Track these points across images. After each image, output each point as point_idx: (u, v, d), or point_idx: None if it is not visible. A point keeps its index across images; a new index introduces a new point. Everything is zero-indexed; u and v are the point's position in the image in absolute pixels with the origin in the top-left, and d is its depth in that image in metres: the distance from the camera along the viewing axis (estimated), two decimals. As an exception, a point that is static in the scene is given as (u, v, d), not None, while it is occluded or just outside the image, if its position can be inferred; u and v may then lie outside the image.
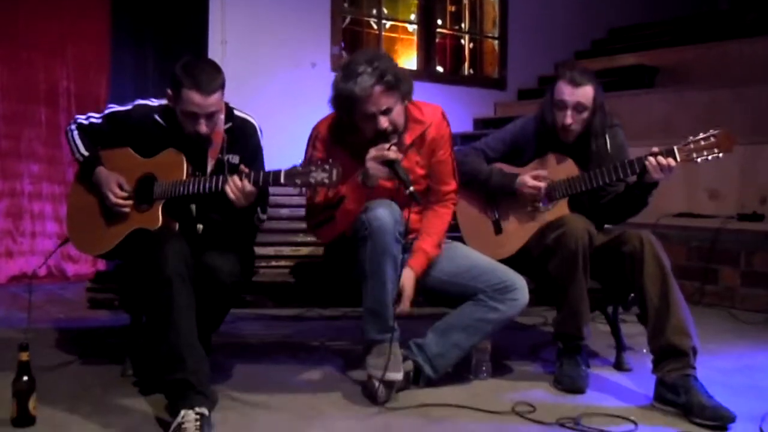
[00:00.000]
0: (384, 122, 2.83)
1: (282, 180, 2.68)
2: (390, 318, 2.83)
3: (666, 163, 2.99)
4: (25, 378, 2.48)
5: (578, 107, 3.16)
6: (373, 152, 2.78)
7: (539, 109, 3.33)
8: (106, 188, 2.92)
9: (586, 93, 3.15)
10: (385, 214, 2.75)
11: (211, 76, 2.80)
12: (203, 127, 2.81)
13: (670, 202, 5.37)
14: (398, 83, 2.83)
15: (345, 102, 2.83)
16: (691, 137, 3.02)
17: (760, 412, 2.74)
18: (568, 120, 3.16)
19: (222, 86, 2.84)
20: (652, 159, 3.00)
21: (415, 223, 3.06)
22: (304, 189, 2.75)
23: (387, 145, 2.79)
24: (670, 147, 3.01)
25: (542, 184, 3.22)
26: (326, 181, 2.63)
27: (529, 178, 3.24)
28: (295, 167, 2.68)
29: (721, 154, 2.99)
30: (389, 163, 2.78)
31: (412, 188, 2.76)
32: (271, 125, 3.20)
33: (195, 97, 2.76)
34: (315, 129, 3.05)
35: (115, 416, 2.63)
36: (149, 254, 2.66)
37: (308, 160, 2.76)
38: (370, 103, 2.80)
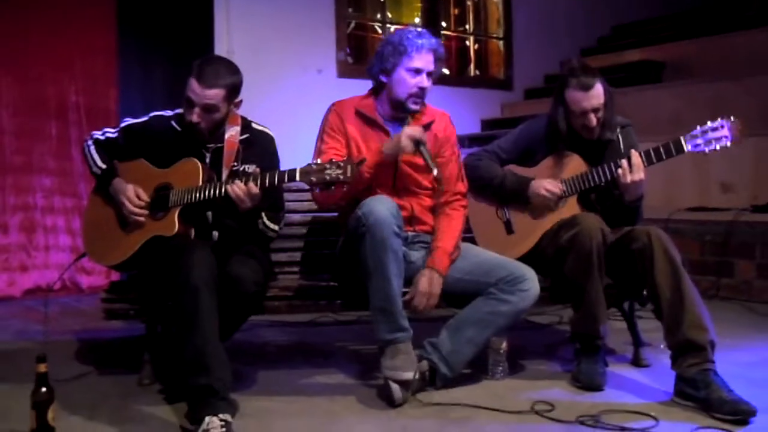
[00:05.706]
0: (425, 82, 3.07)
1: (297, 177, 2.73)
2: (399, 314, 2.83)
3: (629, 166, 3.00)
4: (44, 389, 2.48)
5: (596, 110, 3.18)
6: (408, 130, 2.93)
7: (549, 113, 3.32)
8: (123, 197, 2.95)
9: (598, 93, 3.17)
10: (381, 208, 2.78)
11: (216, 72, 2.90)
12: (195, 116, 2.91)
13: (683, 196, 5.35)
14: (442, 64, 3.17)
15: (395, 50, 3.07)
16: (698, 125, 3.01)
17: (781, 404, 2.72)
18: (593, 123, 3.18)
19: (228, 87, 2.92)
20: (624, 161, 3.02)
21: (421, 212, 3.14)
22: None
23: (421, 128, 2.99)
24: (677, 137, 3.01)
25: (557, 191, 3.23)
26: (341, 177, 2.68)
27: (545, 184, 3.24)
28: (309, 165, 2.73)
29: (729, 143, 2.96)
30: (418, 143, 2.92)
31: (435, 170, 2.92)
32: (280, 132, 3.22)
33: (194, 84, 2.89)
34: (333, 105, 3.18)
35: (134, 425, 2.64)
36: (175, 261, 2.67)
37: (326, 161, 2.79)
38: (418, 59, 3.06)
